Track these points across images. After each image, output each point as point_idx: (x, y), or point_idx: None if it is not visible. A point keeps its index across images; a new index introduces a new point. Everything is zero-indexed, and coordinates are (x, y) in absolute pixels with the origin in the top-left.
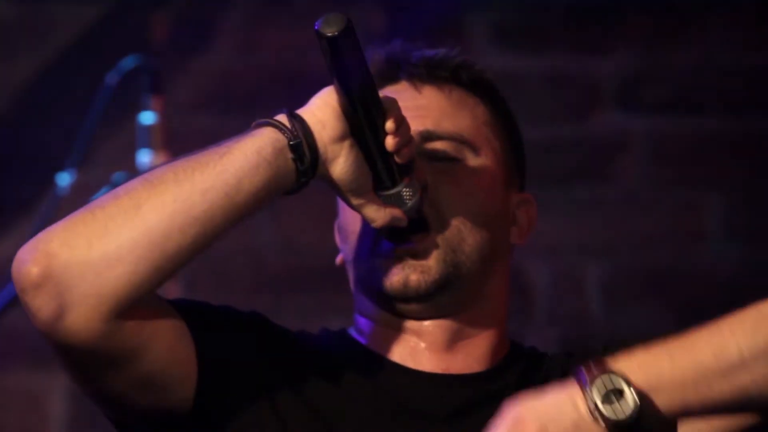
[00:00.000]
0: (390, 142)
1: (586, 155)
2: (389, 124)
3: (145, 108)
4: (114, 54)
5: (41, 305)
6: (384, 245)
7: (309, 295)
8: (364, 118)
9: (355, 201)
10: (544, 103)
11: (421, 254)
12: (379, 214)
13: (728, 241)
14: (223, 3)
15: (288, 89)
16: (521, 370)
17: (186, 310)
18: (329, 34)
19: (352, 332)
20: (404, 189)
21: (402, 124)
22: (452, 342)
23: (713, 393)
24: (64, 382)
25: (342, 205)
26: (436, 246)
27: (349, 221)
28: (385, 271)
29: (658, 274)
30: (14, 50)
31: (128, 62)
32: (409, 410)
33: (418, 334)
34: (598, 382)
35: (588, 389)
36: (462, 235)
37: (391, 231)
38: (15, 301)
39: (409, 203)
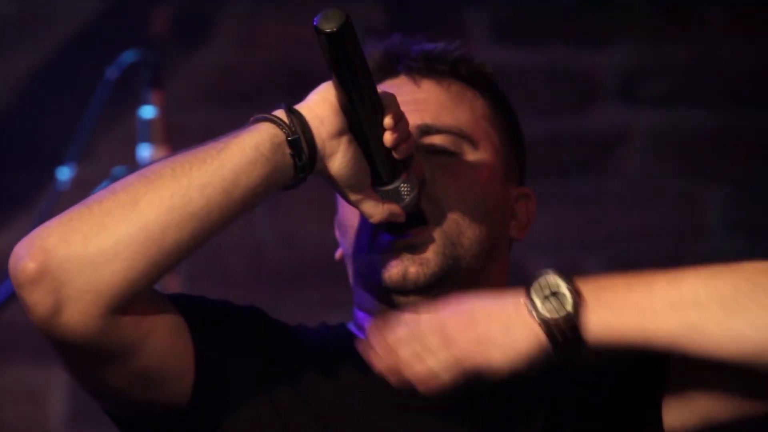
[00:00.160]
0: (388, 138)
1: (586, 149)
2: (387, 120)
3: (145, 102)
4: (114, 48)
5: (38, 300)
6: (382, 239)
7: (308, 290)
8: (362, 113)
9: (353, 197)
10: (544, 96)
11: (419, 247)
12: (376, 210)
13: (728, 235)
14: None
15: (288, 83)
16: None
17: (184, 305)
18: (328, 30)
19: (351, 327)
20: (402, 184)
21: (400, 119)
22: None
23: (658, 322)
24: (65, 378)
25: (341, 201)
26: (435, 239)
27: (348, 216)
28: (384, 264)
29: (658, 267)
30: (14, 44)
31: (128, 57)
32: (408, 405)
33: None
34: (543, 281)
35: (531, 288)
36: (461, 228)
37: (389, 226)
38: (15, 296)
39: (407, 198)
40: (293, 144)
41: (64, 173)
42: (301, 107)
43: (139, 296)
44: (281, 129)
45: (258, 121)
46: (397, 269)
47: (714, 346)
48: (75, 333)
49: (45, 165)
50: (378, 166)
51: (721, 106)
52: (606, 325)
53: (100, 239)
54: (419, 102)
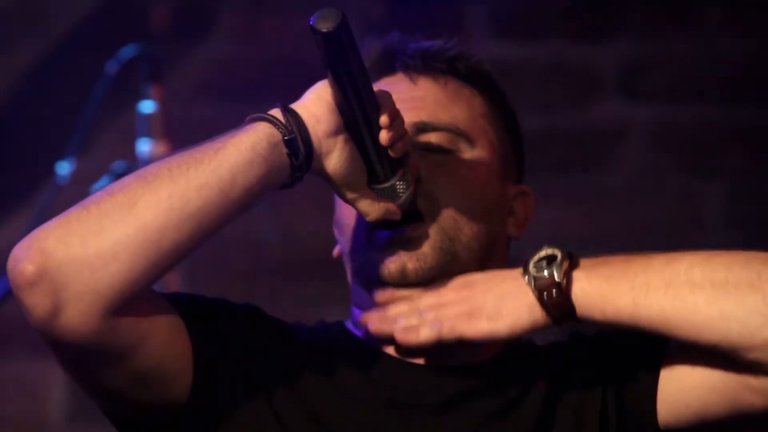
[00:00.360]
0: (384, 136)
1: (585, 144)
2: (383, 119)
3: (145, 97)
4: (113, 43)
5: (37, 303)
6: (379, 235)
7: (307, 285)
8: (358, 112)
9: (349, 195)
10: (543, 91)
11: (415, 242)
12: (372, 208)
13: (728, 230)
14: None
15: (287, 78)
16: (517, 362)
17: (182, 305)
18: (324, 30)
19: (349, 325)
20: (398, 182)
21: (396, 118)
22: None
23: (650, 297)
24: (63, 372)
25: (338, 199)
26: (432, 234)
27: (345, 215)
28: (382, 261)
29: None
30: (14, 39)
31: (128, 51)
32: (404, 402)
33: None
34: (542, 251)
35: (531, 258)
36: (458, 225)
37: (385, 223)
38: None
39: (403, 196)
40: (290, 144)
41: (64, 168)
42: (297, 106)
43: (137, 297)
44: (278, 128)
45: (254, 120)
46: (395, 265)
47: (702, 326)
48: (74, 334)
49: (44, 159)
50: (374, 165)
51: (721, 101)
52: (598, 295)
53: (98, 241)
54: (416, 99)
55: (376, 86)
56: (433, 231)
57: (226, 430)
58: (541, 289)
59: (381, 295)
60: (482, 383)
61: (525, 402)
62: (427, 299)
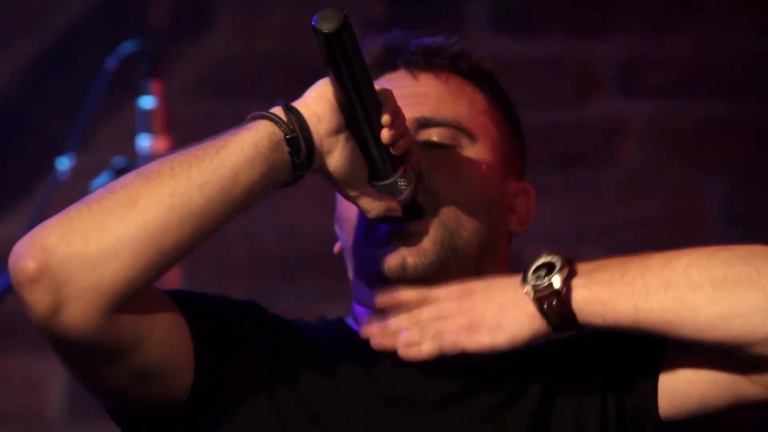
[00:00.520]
0: (386, 134)
1: (585, 140)
2: (385, 118)
3: (145, 92)
4: (113, 38)
5: (38, 300)
6: (379, 230)
7: (307, 280)
8: (360, 111)
9: (350, 192)
10: (543, 87)
11: (416, 237)
12: (374, 205)
13: (728, 226)
14: None
15: (288, 73)
16: (516, 360)
17: (183, 302)
18: (326, 31)
19: (349, 321)
20: (399, 179)
21: (397, 116)
22: None
23: (650, 300)
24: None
25: (339, 195)
26: (432, 229)
27: (346, 211)
28: (382, 256)
29: None
30: (14, 35)
31: (127, 47)
32: (404, 399)
33: None
34: (541, 259)
35: (529, 266)
36: (459, 220)
37: (386, 219)
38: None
39: (404, 193)
40: (291, 142)
41: (64, 163)
42: (299, 104)
43: (138, 295)
44: (279, 127)
45: (256, 118)
46: (395, 260)
47: (704, 325)
48: (75, 332)
49: (44, 155)
50: (375, 162)
51: (720, 97)
52: (598, 301)
53: (99, 239)
54: (418, 95)
55: (378, 83)
56: (434, 226)
57: (226, 426)
58: (540, 299)
59: (381, 297)
60: (482, 381)
61: (524, 399)
62: (428, 312)
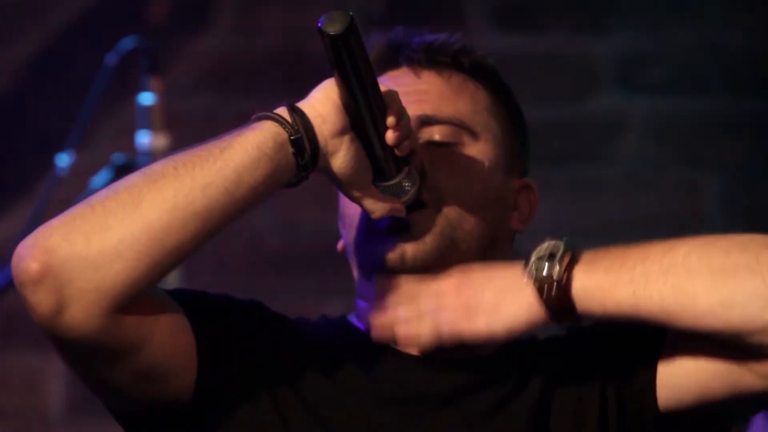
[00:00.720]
0: (390, 136)
1: (584, 136)
2: (390, 120)
3: (144, 89)
4: (113, 35)
5: (40, 300)
6: (379, 222)
7: (306, 277)
8: (365, 112)
9: (354, 193)
10: (542, 83)
11: (415, 227)
12: (378, 206)
13: (727, 222)
14: None
15: (287, 70)
16: (518, 356)
17: (185, 301)
18: (332, 33)
19: (352, 318)
20: (404, 180)
21: (402, 117)
22: None
23: (649, 288)
24: (63, 364)
25: (342, 195)
26: (433, 222)
27: (349, 209)
28: (381, 246)
29: None
30: (14, 31)
31: (127, 43)
32: (406, 396)
33: None
34: (543, 246)
35: (531, 253)
36: (462, 216)
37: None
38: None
39: (409, 193)
40: (296, 143)
41: (64, 160)
42: (304, 105)
43: (141, 295)
44: (284, 128)
45: (260, 119)
46: (394, 250)
47: (703, 313)
48: (77, 332)
49: (44, 151)
50: (380, 163)
51: (720, 93)
52: (597, 289)
53: (102, 239)
54: (420, 93)
55: (380, 80)
56: (434, 218)
57: (229, 426)
58: (540, 286)
59: (380, 283)
60: (483, 377)
61: (524, 394)
62: (427, 299)
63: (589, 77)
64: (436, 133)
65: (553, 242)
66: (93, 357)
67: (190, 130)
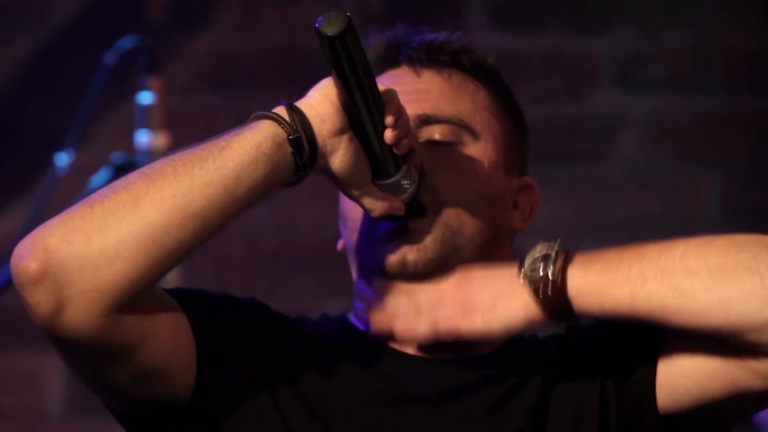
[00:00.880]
0: (389, 135)
1: (583, 134)
2: (389, 118)
3: (143, 88)
4: (112, 34)
5: (40, 300)
6: (380, 228)
7: (305, 276)
8: (363, 112)
9: (353, 192)
10: (541, 82)
11: (417, 234)
12: (377, 204)
13: (726, 221)
14: None
15: (287, 68)
16: (518, 355)
17: (185, 300)
18: (330, 34)
19: (351, 318)
20: (403, 178)
21: (401, 116)
22: None
23: (647, 288)
24: (62, 363)
25: (342, 194)
26: (434, 227)
27: (348, 209)
28: (383, 253)
29: None
30: (12, 31)
31: (126, 42)
32: (405, 395)
33: None
34: (537, 247)
35: (526, 254)
36: (462, 219)
37: (389, 218)
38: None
39: (408, 191)
40: (294, 143)
41: (63, 159)
42: (302, 104)
43: (140, 295)
44: (282, 127)
45: (259, 118)
46: (395, 257)
47: (701, 312)
48: (77, 332)
49: (43, 151)
50: (379, 162)
51: (719, 91)
52: (594, 289)
53: (102, 239)
54: (420, 92)
55: (380, 79)
56: (436, 224)
57: (229, 424)
58: (536, 287)
59: (380, 284)
60: (483, 375)
61: (524, 393)
62: (426, 295)
63: (588, 76)
64: (435, 132)
65: (546, 243)
66: (92, 357)
67: (190, 129)
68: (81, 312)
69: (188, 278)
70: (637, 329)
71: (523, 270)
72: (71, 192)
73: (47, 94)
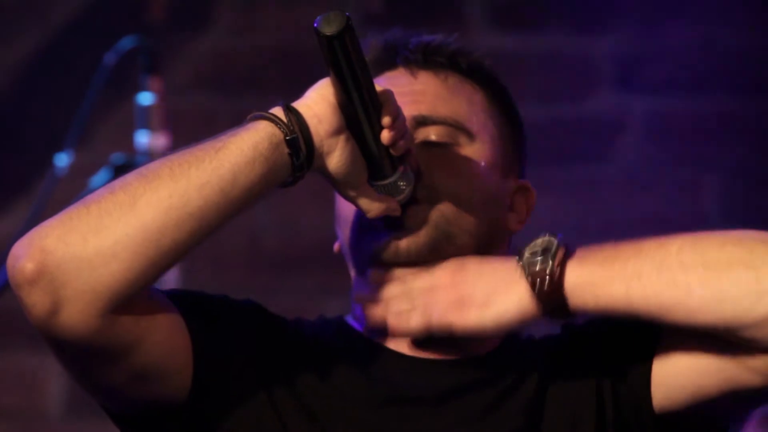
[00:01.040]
0: (386, 136)
1: (583, 135)
2: (386, 119)
3: (143, 88)
4: (112, 34)
5: (36, 301)
6: (374, 220)
7: (305, 276)
8: (360, 112)
9: (350, 193)
10: (542, 83)
11: (410, 221)
12: (373, 205)
13: (726, 221)
14: None
15: (286, 69)
16: (514, 355)
17: (182, 302)
18: (328, 33)
19: (349, 319)
20: (399, 179)
21: (398, 117)
22: None
23: (643, 283)
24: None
25: (338, 195)
26: (427, 215)
27: (345, 209)
28: (376, 242)
29: None
30: (12, 31)
31: (126, 42)
32: (402, 396)
33: None
34: (537, 241)
35: (525, 247)
36: (456, 211)
37: (385, 219)
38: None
39: (404, 192)
40: (291, 143)
41: (62, 159)
42: (299, 105)
43: (137, 296)
44: (279, 128)
45: (255, 119)
46: (388, 244)
47: (697, 307)
48: (73, 333)
49: (43, 151)
50: (375, 163)
51: (719, 92)
52: (591, 284)
53: (98, 240)
54: (416, 93)
55: (377, 81)
56: (429, 211)
57: (225, 426)
58: (533, 280)
59: (375, 276)
60: (480, 376)
61: (520, 393)
62: (421, 282)
63: (588, 77)
64: (432, 134)
65: (547, 238)
66: (89, 357)
67: (189, 129)
68: (77, 312)
69: (188, 278)
70: (632, 329)
71: (521, 262)
72: (71, 192)
73: (47, 94)
